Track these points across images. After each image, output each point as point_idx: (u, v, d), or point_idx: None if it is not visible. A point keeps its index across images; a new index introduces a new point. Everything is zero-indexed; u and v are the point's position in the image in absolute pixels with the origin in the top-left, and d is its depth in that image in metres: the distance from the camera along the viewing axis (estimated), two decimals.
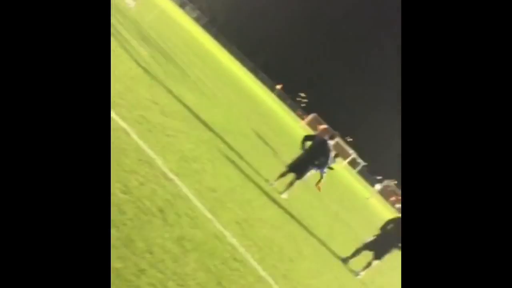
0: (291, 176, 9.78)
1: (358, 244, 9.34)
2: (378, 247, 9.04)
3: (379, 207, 38.80)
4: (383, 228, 9.19)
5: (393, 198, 53.39)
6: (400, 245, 9.07)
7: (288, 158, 15.45)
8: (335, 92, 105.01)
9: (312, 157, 9.69)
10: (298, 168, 9.72)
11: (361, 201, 29.18)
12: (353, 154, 53.89)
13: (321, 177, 15.26)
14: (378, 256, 9.03)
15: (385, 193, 56.54)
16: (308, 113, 60.48)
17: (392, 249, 9.09)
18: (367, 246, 9.11)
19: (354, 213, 18.19)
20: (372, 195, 41.25)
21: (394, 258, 13.43)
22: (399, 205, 56.78)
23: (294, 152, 17.34)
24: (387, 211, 37.34)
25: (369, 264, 9.00)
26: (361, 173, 64.80)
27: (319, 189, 17.31)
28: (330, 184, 20.67)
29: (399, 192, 49.06)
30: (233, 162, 8.74)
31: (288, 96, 75.07)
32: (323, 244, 8.89)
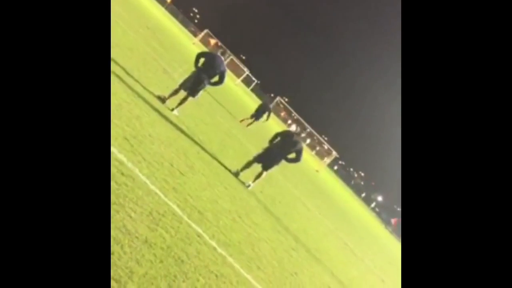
0: (183, 93, 9.66)
1: (249, 158, 9.67)
2: (266, 159, 9.43)
3: (271, 122, 40.15)
4: (271, 141, 9.56)
5: (283, 114, 55.58)
6: (287, 156, 9.55)
7: (179, 74, 15.15)
8: (229, 9, 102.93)
9: (205, 73, 9.59)
10: (192, 85, 9.60)
11: None
12: (246, 72, 54.27)
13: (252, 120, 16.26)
14: (266, 167, 9.44)
15: (277, 110, 58.54)
16: (201, 29, 58.93)
17: (279, 161, 9.54)
18: (256, 159, 9.45)
19: (246, 130, 18.66)
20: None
21: (283, 170, 14.18)
22: (289, 121, 59.30)
23: (185, 68, 16.98)
24: (278, 127, 38.86)
25: (258, 176, 9.41)
26: (255, 90, 65.99)
27: (244, 122, 18.46)
28: (223, 102, 20.84)
29: (290, 108, 51.02)
30: (119, 77, 8.36)
31: (180, 12, 72.17)
32: (215, 158, 9.07)
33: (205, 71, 9.56)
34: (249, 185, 9.20)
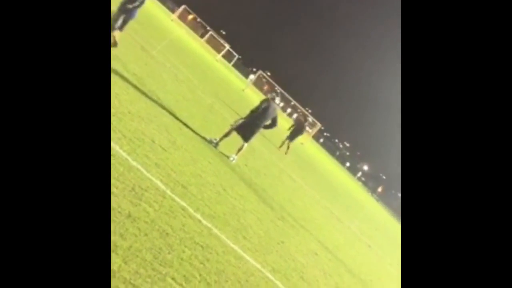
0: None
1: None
2: (245, 130, 9.39)
3: (253, 96, 40.07)
4: (252, 110, 9.55)
5: (266, 87, 55.35)
6: (265, 123, 9.56)
7: (157, 52, 15.00)
8: None
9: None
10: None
11: (236, 92, 29.76)
12: (227, 47, 53.65)
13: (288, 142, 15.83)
14: (246, 139, 9.42)
15: (259, 83, 58.28)
16: (178, 5, 58.01)
17: (258, 130, 9.55)
18: (235, 129, 9.37)
19: (229, 105, 18.58)
20: (247, 86, 42.20)
21: (266, 143, 14.24)
22: (272, 94, 59.07)
23: (164, 45, 16.79)
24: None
25: (240, 148, 9.41)
26: (236, 66, 65.53)
27: (282, 149, 18.30)
28: (204, 78, 20.70)
29: (272, 81, 50.76)
30: None
31: None
32: (198, 134, 9.05)
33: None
34: (233, 159, 9.22)
